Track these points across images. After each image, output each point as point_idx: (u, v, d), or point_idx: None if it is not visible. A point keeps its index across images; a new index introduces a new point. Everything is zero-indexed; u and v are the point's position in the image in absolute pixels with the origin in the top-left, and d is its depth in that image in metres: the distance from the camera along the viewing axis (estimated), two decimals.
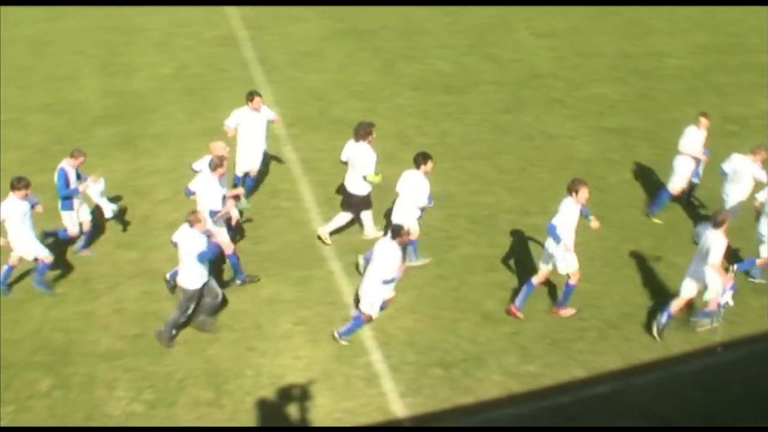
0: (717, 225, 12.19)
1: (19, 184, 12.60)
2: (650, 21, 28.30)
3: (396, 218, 13.54)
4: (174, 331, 12.38)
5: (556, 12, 27.74)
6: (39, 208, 13.14)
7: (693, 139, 15.64)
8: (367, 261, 12.54)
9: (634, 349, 12.65)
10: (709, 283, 12.30)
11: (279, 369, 11.93)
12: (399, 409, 11.40)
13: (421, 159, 13.63)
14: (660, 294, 13.75)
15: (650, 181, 17.22)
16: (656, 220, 15.76)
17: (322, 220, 15.05)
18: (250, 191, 15.63)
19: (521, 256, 14.57)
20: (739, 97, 22.23)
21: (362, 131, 14.10)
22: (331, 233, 14.63)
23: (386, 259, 12.08)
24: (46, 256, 13.12)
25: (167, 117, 19.36)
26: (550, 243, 12.61)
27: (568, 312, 13.25)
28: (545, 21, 26.85)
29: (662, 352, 12.65)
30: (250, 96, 15.20)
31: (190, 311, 12.29)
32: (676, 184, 15.85)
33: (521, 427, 11.33)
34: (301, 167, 17.08)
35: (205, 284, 12.14)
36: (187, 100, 20.13)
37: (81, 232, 14.18)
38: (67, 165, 13.52)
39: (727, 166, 14.93)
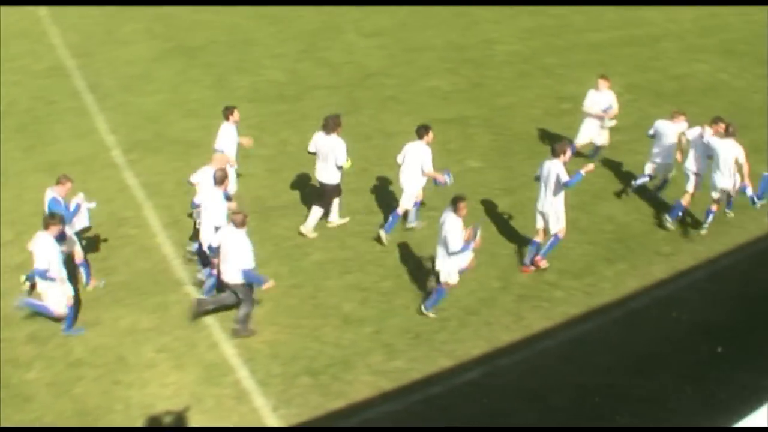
0: (555, 154, 14.31)
1: None
2: (476, 11, 29.66)
3: (404, 185, 15.54)
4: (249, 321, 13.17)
5: (382, 11, 28.72)
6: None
7: (594, 101, 18.34)
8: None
9: (496, 332, 13.33)
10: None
11: (148, 399, 11.96)
12: (273, 422, 11.61)
13: (423, 131, 15.46)
14: (512, 272, 14.71)
15: (492, 167, 18.19)
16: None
17: (172, 244, 15.24)
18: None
19: (372, 256, 15.15)
20: (569, 76, 23.75)
21: (332, 123, 15.19)
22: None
23: (450, 231, 12.97)
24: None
25: (2, 156, 18.95)
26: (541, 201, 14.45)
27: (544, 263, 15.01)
28: (372, 20, 27.83)
29: (524, 331, 13.42)
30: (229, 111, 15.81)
31: (254, 296, 13.11)
32: (580, 139, 18.42)
33: (399, 427, 11.69)
34: (143, 192, 17.13)
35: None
36: (20, 137, 19.68)
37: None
38: (55, 193, 13.44)
39: (651, 131, 17.11)
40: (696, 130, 16.38)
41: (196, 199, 13.98)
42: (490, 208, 16.76)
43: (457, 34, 27.00)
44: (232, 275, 12.81)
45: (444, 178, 15.46)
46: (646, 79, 24.67)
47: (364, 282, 14.32)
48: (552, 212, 14.47)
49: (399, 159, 15.58)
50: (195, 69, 23.73)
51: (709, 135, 15.98)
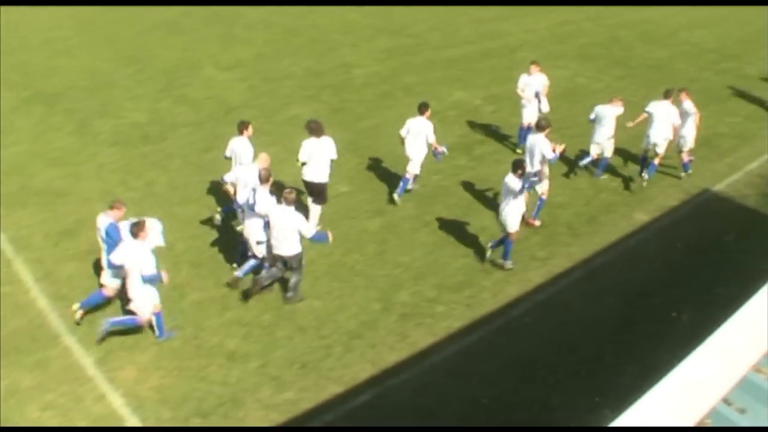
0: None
1: None
2: (332, 36, 30.17)
3: (410, 155, 17.86)
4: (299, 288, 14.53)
5: (239, 43, 28.83)
6: None
7: (526, 83, 20.53)
8: None
9: (382, 353, 13.39)
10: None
11: None
12: None
13: (423, 108, 17.92)
14: (392, 292, 14.79)
15: (361, 189, 18.46)
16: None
17: (46, 297, 14.87)
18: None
19: (246, 288, 14.82)
20: (430, 93, 24.09)
21: (318, 128, 16.68)
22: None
23: (513, 189, 15.00)
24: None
25: None
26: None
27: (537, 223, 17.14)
28: (230, 53, 27.79)
29: (410, 349, 13.50)
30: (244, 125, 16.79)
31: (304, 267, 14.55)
32: (524, 120, 20.58)
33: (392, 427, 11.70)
34: (12, 248, 16.76)
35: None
36: None
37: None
38: (110, 218, 13.75)
39: (592, 115, 19.28)
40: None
41: (239, 199, 15.11)
42: (362, 230, 16.87)
43: (314, 60, 27.25)
44: (291, 248, 14.19)
45: (442, 149, 17.87)
46: (506, 89, 25.23)
47: (245, 317, 14.16)
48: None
49: (403, 132, 17.91)
50: (55, 116, 23.02)
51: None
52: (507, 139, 21.32)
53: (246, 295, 14.50)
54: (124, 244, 13.22)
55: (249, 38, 29.44)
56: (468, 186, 18.71)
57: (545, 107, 20.46)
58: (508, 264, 15.69)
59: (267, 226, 14.36)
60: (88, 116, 22.95)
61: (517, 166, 15.19)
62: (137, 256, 13.06)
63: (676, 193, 19.42)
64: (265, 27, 31.31)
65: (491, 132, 21.81)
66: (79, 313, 13.83)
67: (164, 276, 13.26)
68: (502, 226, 15.50)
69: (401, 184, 17.99)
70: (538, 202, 17.13)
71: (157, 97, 23.98)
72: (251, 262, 14.99)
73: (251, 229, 14.77)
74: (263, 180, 14.43)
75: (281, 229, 14.05)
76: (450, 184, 18.66)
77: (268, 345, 13.56)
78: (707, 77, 28.67)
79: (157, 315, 13.46)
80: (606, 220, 17.86)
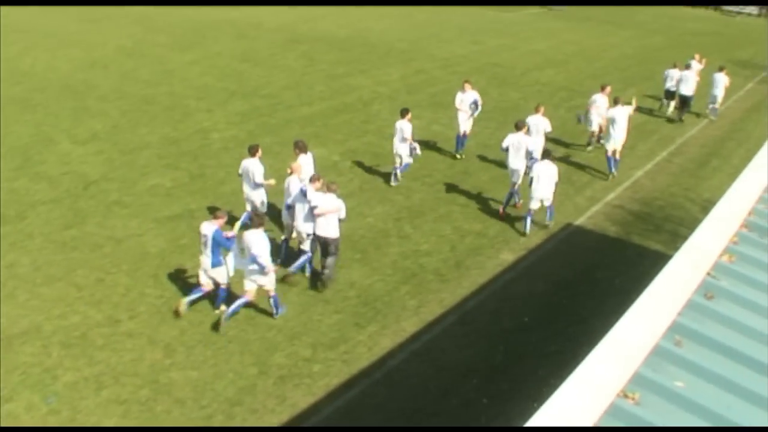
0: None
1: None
2: (187, 102, 30.09)
3: (398, 150, 22.28)
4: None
5: (93, 115, 28.37)
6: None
7: (461, 99, 25.36)
8: None
9: (264, 418, 13.27)
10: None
11: None
12: None
13: (405, 112, 22.37)
14: (267, 355, 14.70)
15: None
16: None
17: None
18: None
19: (123, 367, 14.50)
20: (288, 153, 24.25)
21: (302, 145, 19.02)
22: None
23: (551, 174, 19.36)
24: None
25: None
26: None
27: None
28: (85, 126, 27.20)
29: (290, 411, 13.44)
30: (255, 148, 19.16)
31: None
32: (460, 129, 25.38)
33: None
34: None
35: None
36: None
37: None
38: (216, 225, 15.46)
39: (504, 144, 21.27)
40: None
41: (288, 201, 17.40)
42: (233, 294, 16.60)
43: (170, 128, 27.07)
44: (334, 231, 16.63)
45: (416, 146, 22.26)
46: (363, 142, 26.05)
47: (122, 394, 13.74)
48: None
49: (395, 131, 22.18)
50: None
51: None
52: (366, 192, 21.71)
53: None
54: (249, 233, 15.38)
55: (103, 110, 29.04)
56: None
57: (478, 109, 25.51)
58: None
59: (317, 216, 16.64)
60: None
61: (546, 155, 19.96)
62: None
63: (539, 230, 20.15)
64: (118, 97, 30.97)
65: (351, 186, 22.15)
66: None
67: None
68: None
69: (402, 168, 22.45)
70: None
71: (12, 176, 23.23)
72: (304, 258, 17.21)
73: (303, 225, 17.00)
74: (313, 180, 16.92)
75: (328, 216, 16.49)
76: None
77: (148, 421, 13.24)
78: (560, 114, 30.01)
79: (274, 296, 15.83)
80: (473, 263, 18.32)
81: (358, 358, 14.83)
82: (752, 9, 73.57)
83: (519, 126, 21.19)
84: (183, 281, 17.10)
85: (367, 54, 41.87)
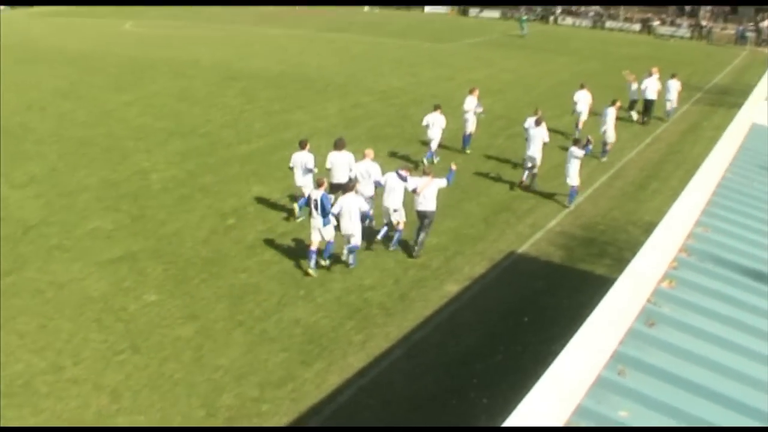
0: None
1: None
2: (125, 143, 29.87)
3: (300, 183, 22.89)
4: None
5: (30, 158, 28.00)
6: None
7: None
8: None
9: None
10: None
11: None
12: None
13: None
14: (215, 397, 14.50)
15: (170, 297, 18.11)
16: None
17: None
18: None
19: (66, 411, 14.15)
20: (228, 191, 24.47)
21: (341, 143, 22.15)
22: None
23: (575, 162, 23.84)
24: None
25: None
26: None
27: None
28: (22, 170, 26.78)
29: None
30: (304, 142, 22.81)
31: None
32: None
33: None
34: None
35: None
36: None
37: None
38: (323, 191, 19.22)
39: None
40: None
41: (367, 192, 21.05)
42: (176, 338, 16.48)
43: (109, 170, 26.80)
44: (432, 205, 20.21)
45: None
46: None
47: None
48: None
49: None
50: None
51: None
52: (307, 229, 21.64)
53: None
54: (343, 198, 19.23)
55: (41, 153, 28.68)
56: (276, 280, 18.82)
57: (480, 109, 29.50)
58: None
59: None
60: None
61: (576, 142, 24.27)
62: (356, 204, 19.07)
63: (482, 260, 20.30)
64: (56, 140, 30.61)
65: (293, 224, 22.14)
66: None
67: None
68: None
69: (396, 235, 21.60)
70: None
71: None
72: (398, 234, 20.69)
73: (392, 201, 20.46)
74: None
75: (427, 193, 20.05)
76: (258, 281, 18.74)
77: None
78: (499, 144, 30.41)
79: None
80: (417, 295, 18.36)
81: (307, 395, 14.71)
82: (685, 32, 75.97)
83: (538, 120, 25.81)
84: (128, 323, 16.87)
85: (305, 89, 42.05)
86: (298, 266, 19.45)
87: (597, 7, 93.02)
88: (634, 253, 7.68)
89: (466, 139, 30.25)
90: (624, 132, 32.74)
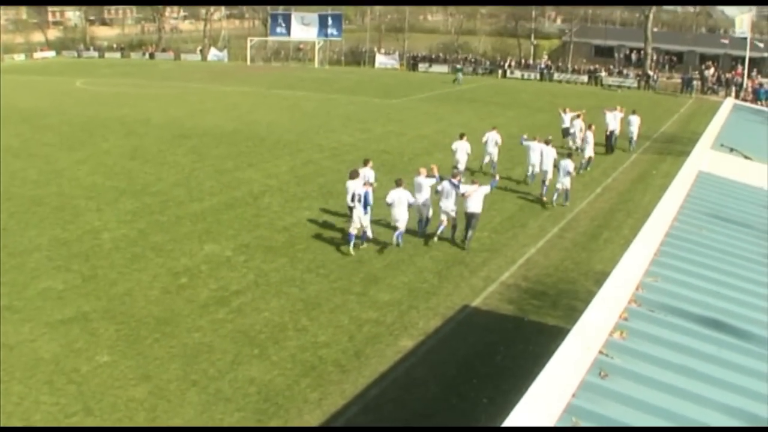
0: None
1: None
2: (76, 201, 29.62)
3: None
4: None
5: None
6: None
7: (459, 149, 34.33)
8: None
9: None
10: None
11: None
12: None
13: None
14: None
15: (123, 357, 17.85)
16: None
17: None
18: None
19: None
20: (180, 250, 24.29)
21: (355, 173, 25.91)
22: None
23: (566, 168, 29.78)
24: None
25: None
26: None
27: None
28: None
29: None
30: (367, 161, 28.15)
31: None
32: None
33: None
34: None
35: None
36: None
37: None
38: (367, 188, 24.40)
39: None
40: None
41: (419, 198, 25.65)
42: (129, 399, 16.14)
43: (60, 229, 26.50)
44: (477, 207, 24.99)
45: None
46: (255, 236, 25.98)
47: None
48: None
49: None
50: None
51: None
52: (261, 287, 21.62)
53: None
54: (395, 191, 24.60)
55: None
56: (230, 338, 18.62)
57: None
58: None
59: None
60: None
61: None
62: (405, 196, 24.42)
63: (436, 315, 20.28)
64: (6, 199, 30.17)
65: (245, 282, 22.05)
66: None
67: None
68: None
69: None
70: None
71: None
72: (441, 227, 25.56)
73: (447, 204, 25.32)
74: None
75: (474, 196, 24.78)
76: (212, 340, 18.55)
77: None
78: None
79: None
80: (372, 352, 18.25)
81: None
82: (632, 82, 77.83)
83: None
84: (81, 385, 16.57)
85: (256, 147, 42.15)
86: (255, 324, 19.28)
87: (545, 60, 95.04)
88: (586, 304, 7.75)
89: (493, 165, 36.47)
90: (574, 182, 33.24)
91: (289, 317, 19.80)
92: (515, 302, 21.17)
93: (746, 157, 15.11)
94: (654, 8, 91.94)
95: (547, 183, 31.38)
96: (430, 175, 26.10)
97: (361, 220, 24.06)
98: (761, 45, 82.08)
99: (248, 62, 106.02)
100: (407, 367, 17.74)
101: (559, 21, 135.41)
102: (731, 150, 15.30)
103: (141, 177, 34.38)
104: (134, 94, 66.26)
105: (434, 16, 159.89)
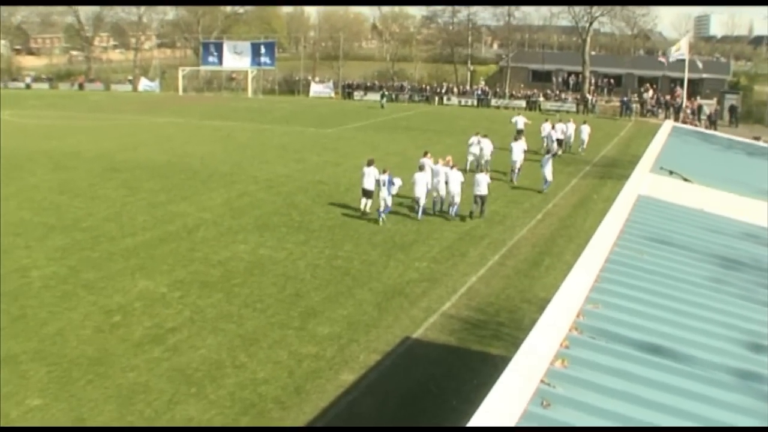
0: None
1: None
2: (3, 238, 28.89)
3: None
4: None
5: None
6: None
7: (480, 146, 42.39)
8: None
9: None
10: None
11: None
12: None
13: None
14: None
15: (55, 400, 17.41)
16: None
17: None
18: None
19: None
20: (112, 287, 23.86)
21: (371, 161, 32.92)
22: None
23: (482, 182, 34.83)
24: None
25: None
26: None
27: None
28: None
29: None
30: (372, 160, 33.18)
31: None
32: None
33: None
34: None
35: None
36: None
37: None
38: (386, 175, 31.41)
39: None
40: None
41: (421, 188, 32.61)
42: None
43: None
44: (484, 190, 32.51)
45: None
46: (190, 271, 25.71)
47: None
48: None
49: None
50: None
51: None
52: (196, 323, 21.38)
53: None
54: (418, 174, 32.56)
55: None
56: (166, 378, 18.32)
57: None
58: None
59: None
60: None
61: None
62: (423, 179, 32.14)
63: (377, 347, 20.22)
64: None
65: (181, 318, 21.78)
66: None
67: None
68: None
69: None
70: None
71: None
72: (455, 208, 32.79)
73: (455, 188, 32.48)
74: (452, 166, 33.47)
75: (480, 181, 32.44)
76: (148, 379, 18.22)
77: None
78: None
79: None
80: (313, 387, 18.09)
81: None
82: (570, 105, 79.31)
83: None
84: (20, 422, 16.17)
85: (189, 179, 41.79)
86: (191, 362, 19.05)
87: (482, 86, 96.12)
88: (528, 333, 7.78)
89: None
90: (515, 209, 33.68)
91: (227, 354, 19.59)
92: (457, 333, 21.22)
93: (685, 180, 15.35)
94: (591, 31, 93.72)
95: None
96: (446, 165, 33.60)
97: (386, 200, 31.72)
98: (700, 65, 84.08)
99: (180, 92, 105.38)
100: (349, 401, 17.65)
101: (495, 46, 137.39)
102: (671, 173, 15.52)
103: (71, 212, 33.84)
104: (63, 126, 65.34)
105: (369, 43, 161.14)
